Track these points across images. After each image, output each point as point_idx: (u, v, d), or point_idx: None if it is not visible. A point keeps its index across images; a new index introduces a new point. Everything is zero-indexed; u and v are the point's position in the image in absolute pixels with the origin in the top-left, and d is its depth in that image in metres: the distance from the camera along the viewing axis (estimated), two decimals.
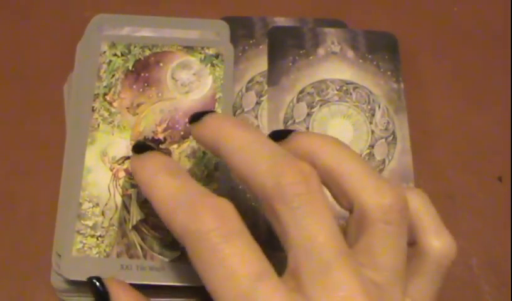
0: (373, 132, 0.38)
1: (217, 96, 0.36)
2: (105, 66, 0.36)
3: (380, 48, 0.40)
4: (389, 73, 0.40)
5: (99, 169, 0.34)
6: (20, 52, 0.41)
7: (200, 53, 0.37)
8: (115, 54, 0.37)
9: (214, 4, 0.43)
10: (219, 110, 0.36)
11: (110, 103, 0.36)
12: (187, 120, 0.32)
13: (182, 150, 0.35)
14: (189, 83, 0.37)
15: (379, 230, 0.24)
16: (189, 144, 0.35)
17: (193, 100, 0.36)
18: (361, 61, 0.40)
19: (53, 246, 0.32)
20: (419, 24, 0.44)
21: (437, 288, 0.27)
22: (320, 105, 0.39)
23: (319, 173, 0.25)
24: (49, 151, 0.37)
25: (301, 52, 0.40)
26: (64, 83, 0.38)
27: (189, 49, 0.38)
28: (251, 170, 0.24)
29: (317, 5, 0.44)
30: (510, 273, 0.36)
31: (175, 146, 0.35)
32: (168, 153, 0.35)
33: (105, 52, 0.37)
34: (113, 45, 0.37)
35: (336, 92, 0.39)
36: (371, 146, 0.37)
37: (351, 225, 0.26)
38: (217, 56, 0.37)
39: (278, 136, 0.28)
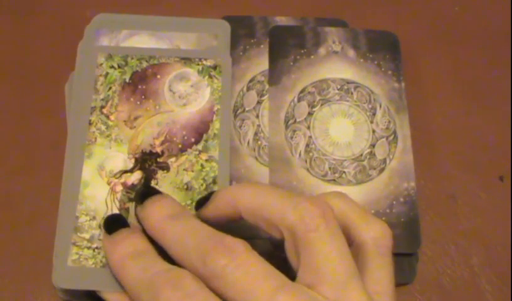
0: (374, 131, 0.38)
1: (215, 108, 0.36)
2: (101, 78, 0.36)
3: (381, 47, 0.40)
4: (390, 72, 0.40)
5: (96, 183, 0.34)
6: (21, 52, 0.41)
7: (198, 64, 0.37)
8: (111, 67, 0.36)
9: (215, 3, 0.43)
10: (217, 124, 0.36)
11: (107, 117, 0.35)
12: (184, 132, 0.35)
13: (180, 164, 0.35)
14: (187, 95, 0.36)
15: (310, 241, 0.25)
16: (187, 158, 0.35)
17: (191, 112, 0.36)
18: (362, 60, 0.40)
19: (53, 246, 0.32)
20: (420, 24, 0.44)
21: (389, 270, 0.28)
22: (321, 105, 0.39)
23: (245, 216, 0.28)
24: (50, 151, 0.37)
25: (302, 51, 0.40)
26: (66, 83, 0.38)
27: (187, 60, 0.37)
28: (185, 260, 0.27)
29: (318, 5, 0.44)
30: (510, 272, 0.36)
31: (173, 159, 0.35)
32: (166, 167, 0.35)
33: (101, 64, 0.36)
34: (109, 57, 0.37)
35: (336, 91, 0.39)
36: (372, 145, 0.37)
37: (289, 251, 0.27)
38: (215, 67, 0.37)
39: (202, 202, 0.30)
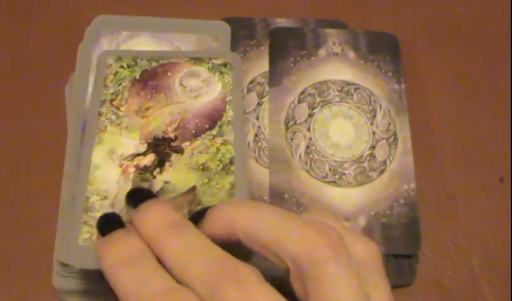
0: (374, 132, 0.38)
1: (227, 99, 0.35)
2: (111, 76, 0.36)
3: (381, 49, 0.40)
4: (390, 73, 0.40)
5: (107, 166, 0.33)
6: (21, 53, 0.41)
7: (207, 63, 0.37)
8: (121, 66, 0.36)
9: (216, 5, 0.43)
10: (230, 112, 0.35)
11: (118, 108, 0.35)
12: (197, 120, 0.33)
13: (194, 147, 0.34)
14: (198, 88, 0.36)
15: (320, 276, 0.23)
16: (202, 141, 0.34)
17: (203, 102, 0.35)
18: (362, 62, 0.40)
19: (54, 246, 0.32)
20: (420, 25, 0.44)
21: (385, 286, 0.26)
22: (322, 106, 0.39)
23: (244, 241, 0.25)
24: (50, 151, 0.37)
25: (302, 53, 0.40)
26: (66, 84, 0.38)
27: (197, 60, 0.37)
28: (188, 284, 0.24)
29: (318, 6, 0.44)
30: (510, 273, 0.36)
31: (187, 143, 0.34)
32: (180, 150, 0.34)
33: (111, 65, 0.36)
34: (119, 59, 0.36)
35: (337, 93, 0.39)
36: (372, 147, 0.37)
37: (295, 283, 0.25)
38: (225, 64, 0.37)
39: (198, 217, 0.27)
